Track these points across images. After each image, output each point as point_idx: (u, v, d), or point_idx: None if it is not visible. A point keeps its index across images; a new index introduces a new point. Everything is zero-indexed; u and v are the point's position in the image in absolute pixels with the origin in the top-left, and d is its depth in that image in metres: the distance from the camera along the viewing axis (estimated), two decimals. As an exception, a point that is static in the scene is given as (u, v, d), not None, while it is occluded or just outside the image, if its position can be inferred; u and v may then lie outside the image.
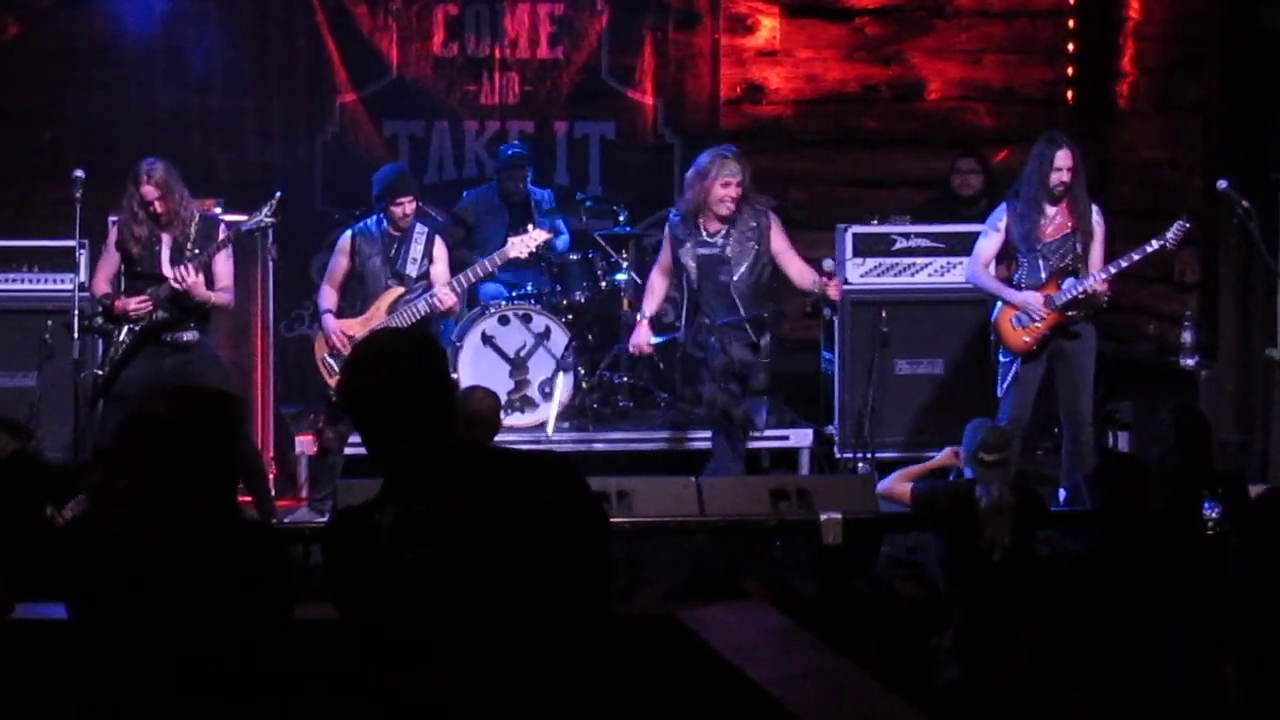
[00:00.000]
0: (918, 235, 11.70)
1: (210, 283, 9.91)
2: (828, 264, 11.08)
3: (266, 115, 12.88)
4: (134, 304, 9.78)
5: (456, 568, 4.08)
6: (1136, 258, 10.23)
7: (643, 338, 10.76)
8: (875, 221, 12.09)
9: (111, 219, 10.06)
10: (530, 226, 10.82)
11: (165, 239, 9.90)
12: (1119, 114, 13.42)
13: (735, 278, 10.39)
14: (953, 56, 13.77)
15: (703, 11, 13.40)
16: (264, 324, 11.27)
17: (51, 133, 12.60)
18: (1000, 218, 10.47)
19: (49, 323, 10.43)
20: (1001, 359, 10.46)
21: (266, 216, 10.02)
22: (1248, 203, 10.38)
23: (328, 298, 10.61)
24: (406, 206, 10.43)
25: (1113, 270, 10.21)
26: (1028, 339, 10.28)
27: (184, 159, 10.85)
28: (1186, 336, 11.63)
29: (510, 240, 10.63)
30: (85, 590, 4.71)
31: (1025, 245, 10.34)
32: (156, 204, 9.80)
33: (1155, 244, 10.18)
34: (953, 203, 12.67)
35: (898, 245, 11.81)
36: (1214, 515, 7.93)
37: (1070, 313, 10.25)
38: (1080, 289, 10.18)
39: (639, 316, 10.81)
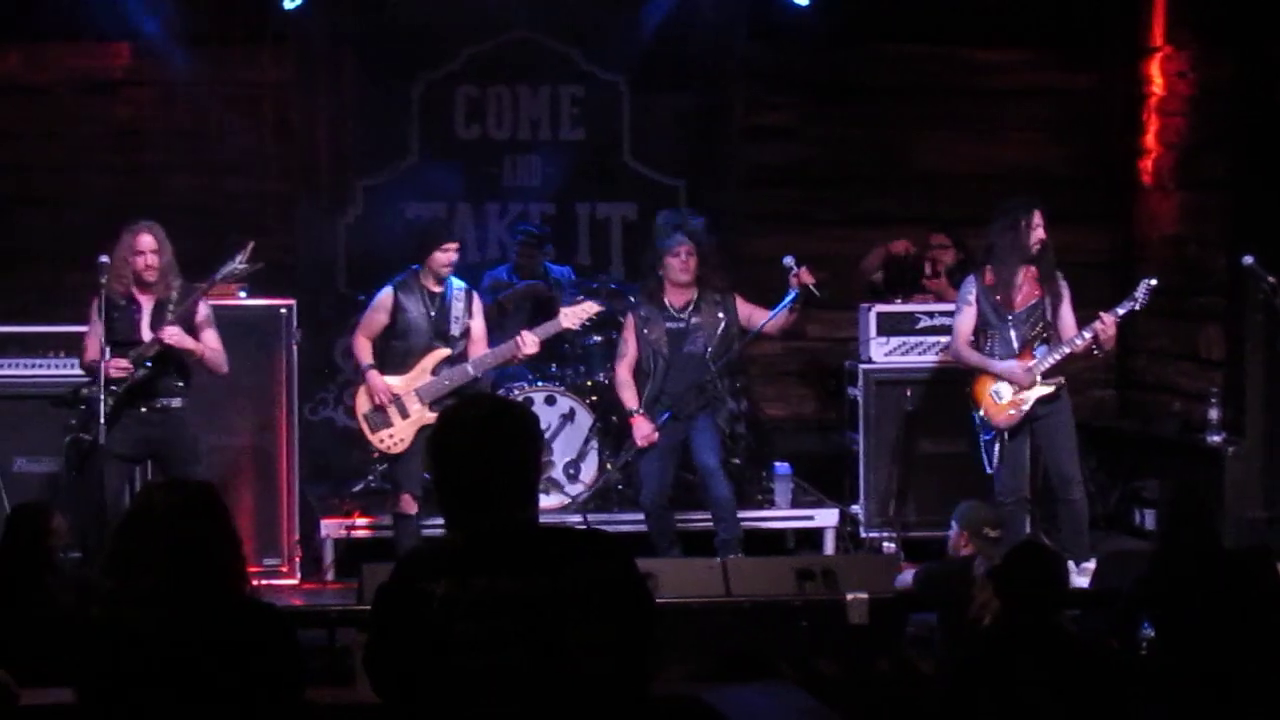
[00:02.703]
0: (941, 314, 11.64)
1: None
2: (787, 260, 10.73)
3: (289, 199, 12.90)
4: (114, 367, 9.72)
5: (501, 643, 4.08)
6: (1109, 319, 10.21)
7: (648, 429, 10.67)
8: (898, 300, 12.07)
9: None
10: (581, 297, 10.84)
11: (144, 304, 9.85)
12: (1142, 191, 13.41)
13: (708, 349, 10.50)
14: (973, 134, 13.76)
15: (725, 92, 13.41)
16: (288, 407, 11.22)
17: (76, 217, 12.62)
18: (971, 291, 10.49)
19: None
20: (983, 437, 10.40)
21: (240, 264, 9.93)
22: (1273, 278, 10.38)
23: (366, 350, 10.53)
24: (451, 254, 10.39)
25: (1089, 335, 10.18)
26: (1012, 412, 10.26)
27: (205, 243, 10.85)
28: (1212, 413, 11.61)
29: (563, 310, 10.58)
30: (102, 684, 4.69)
31: (996, 316, 10.34)
32: (150, 255, 9.75)
33: (1125, 306, 10.20)
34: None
35: (921, 324, 11.79)
36: (1148, 636, 7.82)
37: (1049, 386, 10.24)
38: (1056, 355, 10.18)
39: (630, 413, 10.75)
